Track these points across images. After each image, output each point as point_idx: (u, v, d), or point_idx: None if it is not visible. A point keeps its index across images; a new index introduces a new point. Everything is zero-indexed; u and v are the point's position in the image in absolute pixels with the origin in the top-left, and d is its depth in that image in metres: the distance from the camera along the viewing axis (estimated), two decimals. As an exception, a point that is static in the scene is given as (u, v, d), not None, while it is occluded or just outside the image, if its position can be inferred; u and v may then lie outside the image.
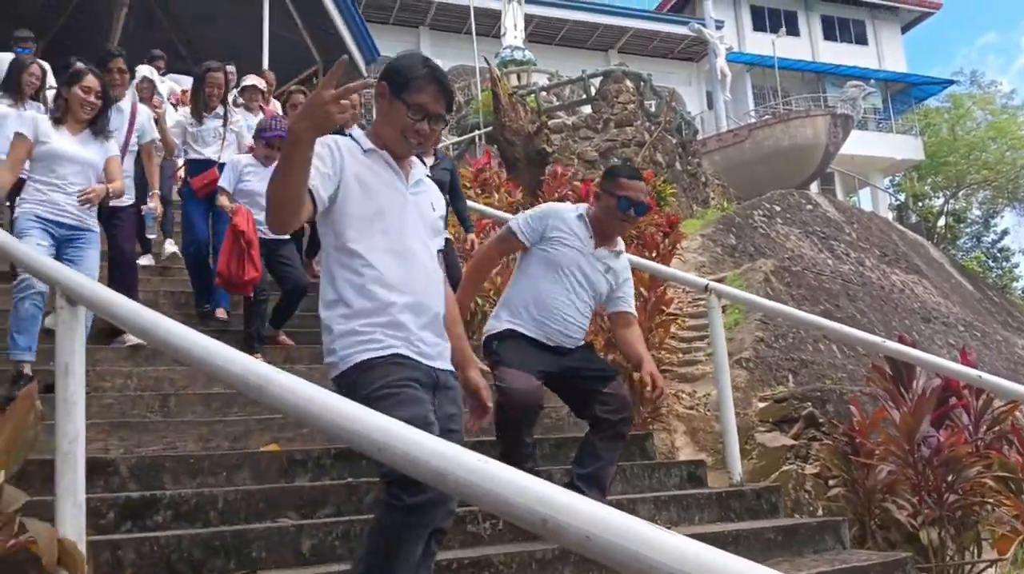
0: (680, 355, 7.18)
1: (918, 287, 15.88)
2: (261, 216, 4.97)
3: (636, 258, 6.02)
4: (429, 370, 2.26)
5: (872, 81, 26.75)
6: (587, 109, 16.38)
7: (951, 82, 32.77)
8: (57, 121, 4.38)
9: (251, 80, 7.68)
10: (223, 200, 5.24)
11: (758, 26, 30.21)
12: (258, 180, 5.21)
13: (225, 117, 5.99)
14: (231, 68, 9.07)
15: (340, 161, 2.24)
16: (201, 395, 4.43)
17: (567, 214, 3.58)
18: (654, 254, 8.03)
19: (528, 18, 22.32)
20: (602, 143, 15.27)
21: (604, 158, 14.84)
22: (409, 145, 2.33)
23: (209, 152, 5.87)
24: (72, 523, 2.06)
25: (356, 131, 2.41)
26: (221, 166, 5.68)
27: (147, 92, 7.49)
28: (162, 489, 3.39)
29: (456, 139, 18.71)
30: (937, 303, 15.42)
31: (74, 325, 2.16)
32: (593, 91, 16.20)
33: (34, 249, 3.28)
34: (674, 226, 9.05)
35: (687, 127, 17.83)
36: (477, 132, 17.86)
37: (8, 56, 7.45)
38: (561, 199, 9.28)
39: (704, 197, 17.27)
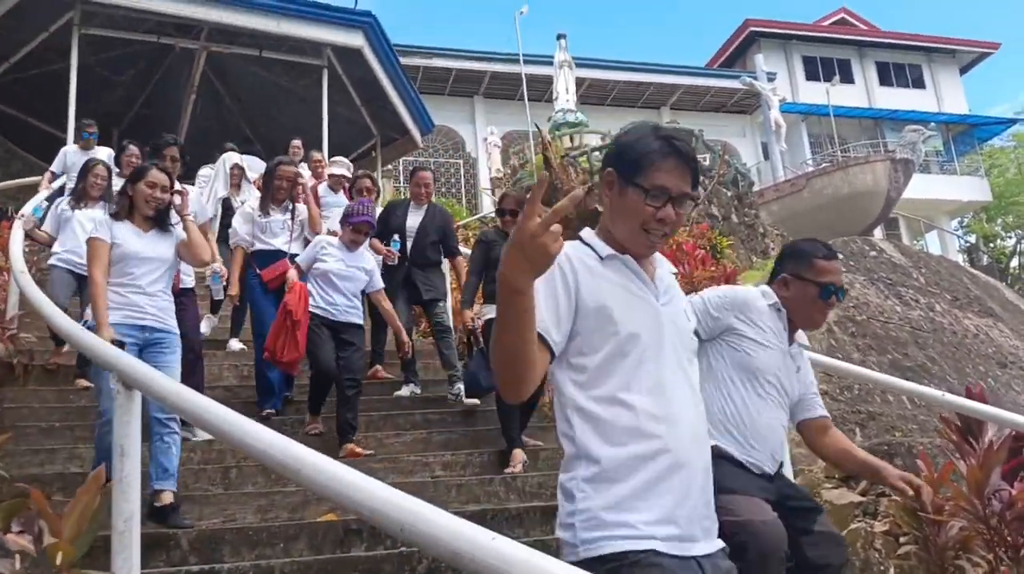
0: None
1: (993, 331, 15.30)
2: (335, 298, 5.21)
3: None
4: (693, 565, 1.71)
5: (932, 124, 26.30)
6: (640, 167, 16.45)
7: (1014, 121, 31.99)
8: (117, 216, 4.21)
9: (339, 170, 7.75)
10: (291, 273, 5.31)
11: (811, 75, 30.12)
12: (335, 261, 5.25)
13: (293, 209, 5.97)
14: (296, 142, 9.44)
15: (574, 286, 1.77)
16: (260, 467, 4.53)
17: (759, 303, 2.88)
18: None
19: (579, 81, 22.73)
20: (656, 200, 15.29)
21: (659, 214, 14.82)
22: (652, 241, 1.84)
23: (278, 243, 5.82)
24: (130, 599, 2.14)
25: (587, 233, 1.95)
26: (291, 257, 5.69)
27: (237, 179, 7.90)
28: (221, 562, 3.46)
29: (512, 202, 18.92)
30: (1014, 347, 14.82)
31: (130, 408, 2.27)
32: (645, 149, 16.29)
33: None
34: (731, 279, 8.98)
35: (742, 179, 17.77)
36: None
37: (73, 147, 8.23)
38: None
39: (763, 248, 17.07)
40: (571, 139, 19.52)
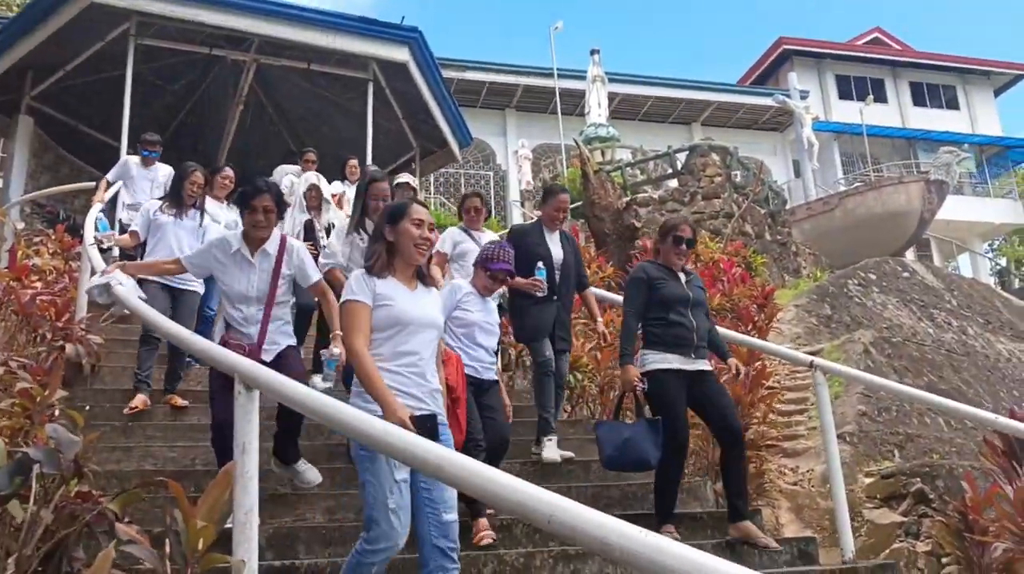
0: (781, 430, 7.15)
1: (1027, 356, 15.24)
2: (479, 353, 4.42)
3: (734, 333, 6.13)
4: None
5: (965, 145, 26.21)
6: (673, 183, 16.62)
7: (1050, 143, 31.81)
8: (372, 270, 3.20)
9: (405, 177, 7.56)
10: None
11: (844, 94, 30.13)
12: (478, 312, 4.50)
13: None
14: (354, 160, 9.18)
15: None
16: (327, 470, 4.70)
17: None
18: (750, 327, 8.07)
19: (611, 96, 22.92)
20: (689, 215, 15.43)
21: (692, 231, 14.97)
22: None
23: None
24: (248, 587, 2.31)
25: None
26: None
27: (315, 200, 7.37)
28: (297, 558, 3.63)
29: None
30: (1049, 373, 14.75)
31: (250, 408, 2.46)
32: (679, 165, 16.45)
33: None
34: (769, 298, 9.09)
35: (775, 197, 17.84)
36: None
37: (134, 159, 8.05)
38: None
39: (795, 266, 17.11)
40: (602, 154, 19.71)
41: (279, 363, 3.94)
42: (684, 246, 4.53)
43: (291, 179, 8.85)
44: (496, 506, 1.65)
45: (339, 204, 8.63)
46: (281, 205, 4.14)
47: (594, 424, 4.65)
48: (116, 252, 6.79)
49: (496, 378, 4.60)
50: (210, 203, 6.67)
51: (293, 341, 4.29)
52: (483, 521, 4.02)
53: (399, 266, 3.10)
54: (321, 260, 5.13)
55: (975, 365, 12.66)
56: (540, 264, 5.26)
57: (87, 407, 4.38)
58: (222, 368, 2.75)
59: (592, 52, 22.02)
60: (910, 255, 22.00)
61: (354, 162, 9.12)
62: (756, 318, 8.40)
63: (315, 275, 4.33)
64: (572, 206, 17.50)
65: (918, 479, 5.79)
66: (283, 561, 3.51)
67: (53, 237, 8.24)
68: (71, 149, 12.97)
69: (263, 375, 2.48)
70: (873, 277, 15.20)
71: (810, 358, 4.87)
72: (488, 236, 5.85)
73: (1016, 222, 29.83)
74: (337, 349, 4.29)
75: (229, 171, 6.98)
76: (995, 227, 29.93)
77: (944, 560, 4.99)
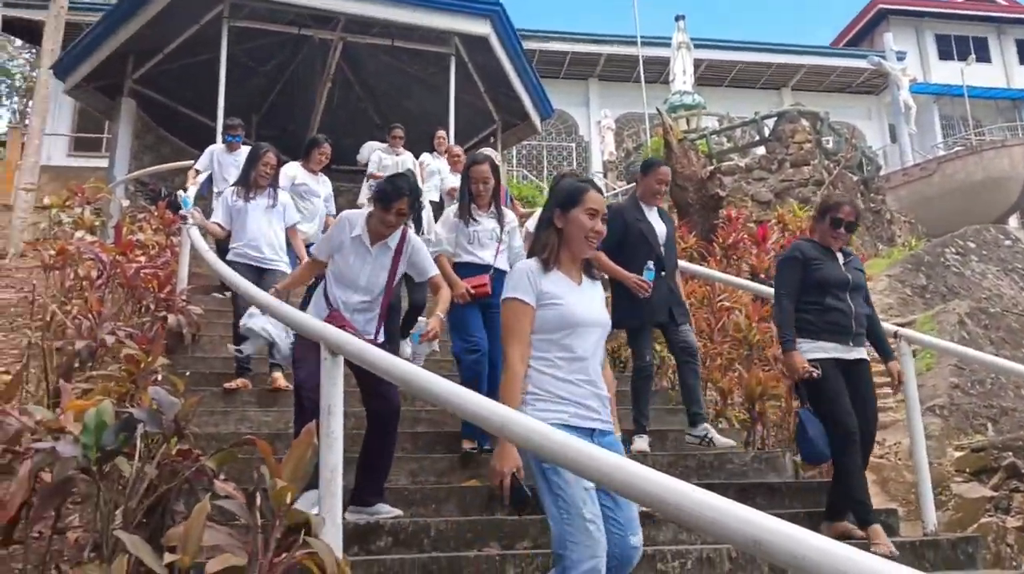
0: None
1: None
2: None
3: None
4: None
5: (1078, 104, 24.72)
6: (761, 150, 16.24)
7: None
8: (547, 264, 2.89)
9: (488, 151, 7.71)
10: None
11: (944, 54, 28.72)
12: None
13: (500, 215, 5.02)
14: (442, 132, 9.26)
15: None
16: (409, 434, 4.89)
17: None
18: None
19: (697, 62, 22.48)
20: (777, 184, 15.08)
21: (780, 199, 14.64)
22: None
23: (487, 256, 4.90)
24: (334, 541, 2.48)
25: None
26: (498, 273, 4.80)
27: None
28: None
29: (626, 186, 19.05)
30: None
31: (335, 372, 2.61)
32: (767, 132, 16.06)
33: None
34: (858, 269, 8.86)
35: (869, 163, 17.24)
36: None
37: (219, 146, 8.25)
38: (736, 243, 9.33)
39: (889, 235, 16.56)
40: (687, 122, 19.38)
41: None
42: (843, 230, 4.22)
43: (379, 155, 9.07)
44: (697, 527, 1.51)
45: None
46: (416, 207, 4.05)
47: (799, 412, 4.22)
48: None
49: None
50: (305, 176, 6.97)
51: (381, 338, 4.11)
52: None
53: (564, 258, 2.71)
54: (430, 249, 4.76)
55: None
56: (650, 264, 4.93)
57: (187, 373, 4.66)
58: (308, 335, 2.91)
59: (677, 18, 21.63)
60: (1013, 222, 20.96)
61: (442, 134, 9.20)
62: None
63: (432, 269, 4.23)
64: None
65: (1011, 453, 5.62)
66: (368, 518, 3.70)
67: (155, 213, 8.66)
68: (171, 129, 13.54)
69: (347, 342, 2.62)
70: (972, 245, 14.57)
71: (895, 328, 4.78)
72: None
73: None
74: (429, 320, 4.16)
75: (327, 146, 7.05)
76: (1110, 191, 28.18)
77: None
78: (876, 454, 6.56)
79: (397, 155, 8.98)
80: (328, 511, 2.49)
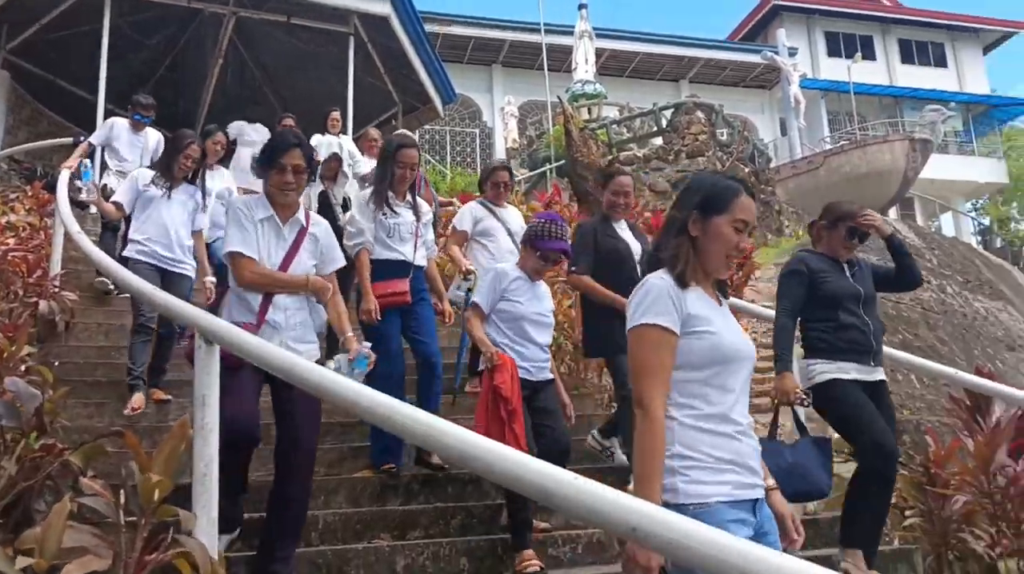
0: (753, 386, 7.24)
1: (1003, 314, 15.45)
2: (530, 350, 3.80)
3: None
4: None
5: (952, 104, 26.20)
6: (658, 141, 16.58)
7: (1036, 102, 31.83)
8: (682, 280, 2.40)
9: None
10: (480, 334, 3.74)
11: (833, 51, 29.94)
12: (527, 300, 3.87)
13: (416, 206, 4.57)
14: (336, 113, 8.72)
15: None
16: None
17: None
18: (727, 286, 8.13)
19: (599, 52, 22.72)
20: (673, 174, 15.42)
21: (675, 188, 14.99)
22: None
23: (406, 251, 4.45)
24: (208, 538, 2.36)
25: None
26: (418, 270, 4.50)
27: (333, 171, 6.65)
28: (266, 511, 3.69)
29: (528, 173, 19.13)
30: (1023, 331, 14.98)
31: (210, 361, 2.49)
32: (664, 123, 16.39)
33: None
34: (748, 257, 9.14)
35: (760, 155, 17.84)
36: (548, 166, 18.22)
37: (122, 122, 7.33)
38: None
39: (778, 225, 17.19)
40: (589, 111, 19.59)
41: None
42: (857, 240, 3.89)
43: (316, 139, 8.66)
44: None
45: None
46: (312, 164, 3.41)
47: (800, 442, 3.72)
48: (93, 210, 6.60)
49: (552, 376, 3.94)
50: None
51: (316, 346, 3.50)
52: (528, 552, 3.46)
53: (699, 274, 2.09)
54: (346, 241, 4.34)
55: (951, 323, 12.82)
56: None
57: (56, 363, 4.40)
58: (181, 321, 2.76)
59: (580, 7, 21.79)
60: (893, 214, 22.10)
61: (336, 114, 8.75)
62: (734, 276, 8.45)
63: (340, 261, 3.59)
64: (556, 164, 17.51)
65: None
66: (251, 514, 3.57)
67: (30, 194, 8.16)
68: (49, 104, 12.80)
69: (225, 330, 2.50)
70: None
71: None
72: (513, 213, 5.40)
73: (1000, 181, 29.94)
74: (365, 346, 3.48)
75: (221, 135, 6.43)
76: (979, 186, 30.04)
77: (907, 512, 5.09)
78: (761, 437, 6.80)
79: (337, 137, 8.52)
80: (203, 507, 2.37)
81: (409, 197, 4.55)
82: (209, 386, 2.47)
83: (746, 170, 16.47)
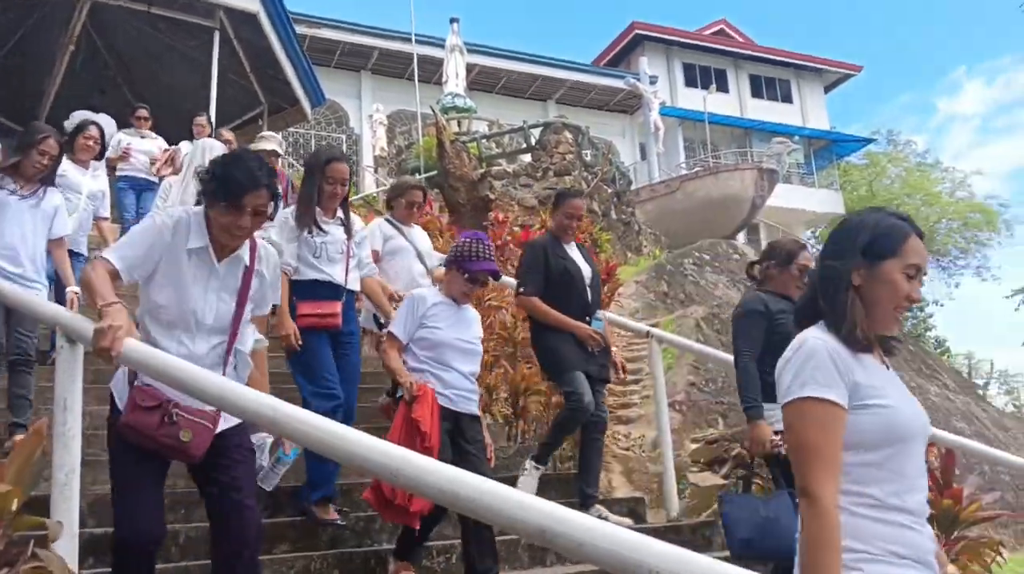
0: (617, 397, 7.48)
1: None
2: (451, 378, 3.57)
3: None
4: None
5: (796, 138, 28.04)
6: (527, 157, 16.85)
7: (869, 140, 34.56)
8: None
9: (269, 145, 6.68)
10: (397, 365, 3.54)
11: (690, 82, 31.43)
12: (448, 326, 3.65)
13: (347, 222, 4.21)
14: (201, 119, 8.31)
15: None
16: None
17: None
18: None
19: (469, 67, 22.88)
20: (541, 191, 15.70)
21: (543, 205, 15.27)
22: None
23: (336, 273, 4.11)
24: (67, 552, 2.20)
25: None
26: (349, 294, 4.19)
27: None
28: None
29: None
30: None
31: (73, 363, 2.32)
32: (533, 140, 16.69)
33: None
34: (612, 273, 9.44)
35: (621, 177, 18.45)
36: (418, 177, 18.15)
37: None
38: (504, 244, 9.60)
39: (637, 245, 17.81)
40: (459, 124, 19.68)
41: (230, 446, 2.53)
42: (805, 278, 3.65)
43: (121, 137, 8.14)
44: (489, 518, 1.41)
45: (171, 164, 7.95)
46: (277, 203, 2.72)
47: (719, 498, 3.77)
48: None
49: (477, 412, 3.72)
50: (71, 168, 5.58)
51: None
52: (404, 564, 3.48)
53: (866, 333, 1.76)
54: None
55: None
56: (600, 314, 4.55)
57: None
58: (44, 319, 2.56)
59: (452, 20, 21.86)
60: (741, 238, 23.38)
61: (202, 120, 8.34)
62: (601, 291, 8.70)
63: (274, 298, 3.04)
64: (425, 175, 17.47)
65: (739, 445, 6.22)
66: (105, 529, 3.35)
67: None
68: None
69: (87, 328, 2.34)
70: (707, 257, 16.07)
71: (647, 328, 5.14)
72: (420, 233, 5.14)
73: (836, 211, 32.26)
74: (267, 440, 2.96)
75: (94, 130, 5.78)
76: (818, 215, 32.26)
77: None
78: (622, 446, 7.03)
79: (142, 138, 8.22)
80: (63, 516, 2.21)
81: (340, 213, 4.18)
82: (71, 389, 2.31)
83: (609, 191, 17.01)
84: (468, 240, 3.77)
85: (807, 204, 31.24)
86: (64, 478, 2.22)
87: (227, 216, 2.51)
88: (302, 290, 3.99)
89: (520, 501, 1.39)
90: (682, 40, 31.62)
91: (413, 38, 22.13)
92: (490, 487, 1.43)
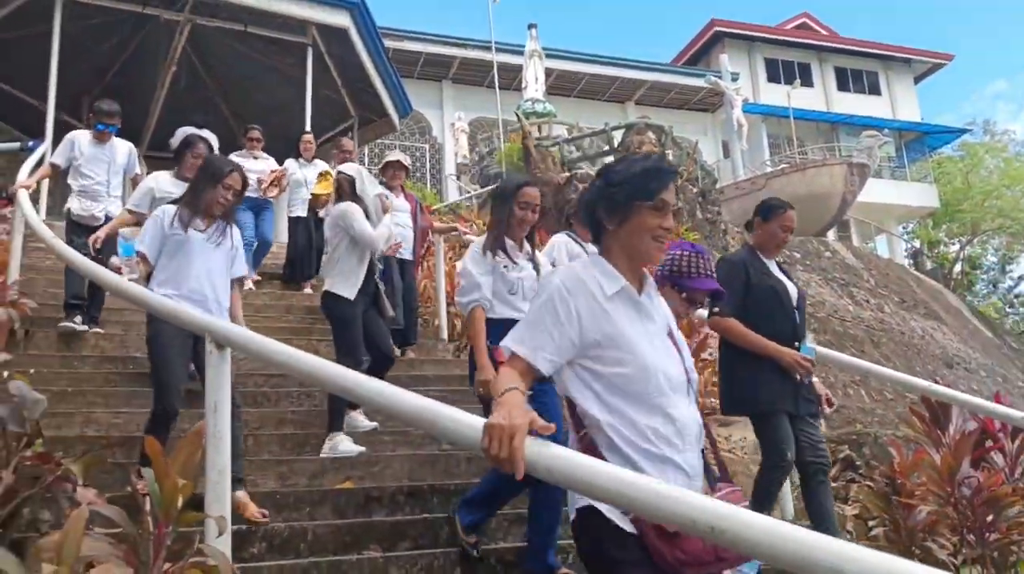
0: (715, 399, 7.37)
1: (937, 333, 16.03)
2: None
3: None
4: None
5: (886, 130, 27.17)
6: (610, 159, 16.81)
7: (964, 131, 33.24)
8: None
9: (395, 155, 6.53)
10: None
11: (772, 77, 30.81)
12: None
13: (534, 257, 3.84)
14: (308, 135, 8.40)
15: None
16: (276, 436, 4.68)
17: None
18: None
19: (548, 71, 22.95)
20: (624, 193, 15.63)
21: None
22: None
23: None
24: (224, 547, 2.31)
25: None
26: None
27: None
28: (254, 522, 3.62)
29: (479, 189, 19.18)
30: (957, 349, 15.57)
31: (222, 367, 2.44)
32: (616, 142, 16.63)
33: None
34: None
35: (706, 176, 18.21)
36: (500, 182, 18.29)
37: (83, 135, 6.37)
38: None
39: (724, 244, 17.53)
40: (539, 129, 19.75)
41: None
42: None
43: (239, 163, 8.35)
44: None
45: (277, 185, 7.90)
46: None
47: None
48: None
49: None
50: (177, 188, 5.05)
51: None
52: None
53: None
54: (459, 298, 3.70)
55: (892, 341, 13.26)
56: (809, 339, 4.05)
57: (32, 371, 4.25)
58: (193, 329, 2.71)
59: (530, 26, 22.00)
60: (831, 235, 22.77)
61: (309, 137, 8.44)
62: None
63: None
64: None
65: (846, 446, 6.08)
66: (239, 526, 3.50)
67: (-25, 200, 7.86)
68: (-6, 110, 12.38)
69: (237, 334, 2.47)
70: (798, 255, 15.72)
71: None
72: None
73: (930, 205, 31.12)
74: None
75: (202, 147, 5.39)
76: (911, 210, 31.18)
77: (871, 523, 5.24)
78: (724, 449, 6.93)
79: (255, 159, 8.08)
80: (218, 514, 2.32)
81: (527, 246, 3.80)
82: (221, 393, 2.43)
83: (694, 190, 16.81)
84: (685, 253, 3.18)
85: (900, 198, 30.25)
86: (216, 477, 2.34)
87: (654, 218, 2.06)
88: (491, 332, 3.49)
89: (682, 497, 1.41)
90: (763, 35, 31.04)
91: (493, 46, 22.35)
92: (645, 483, 1.45)
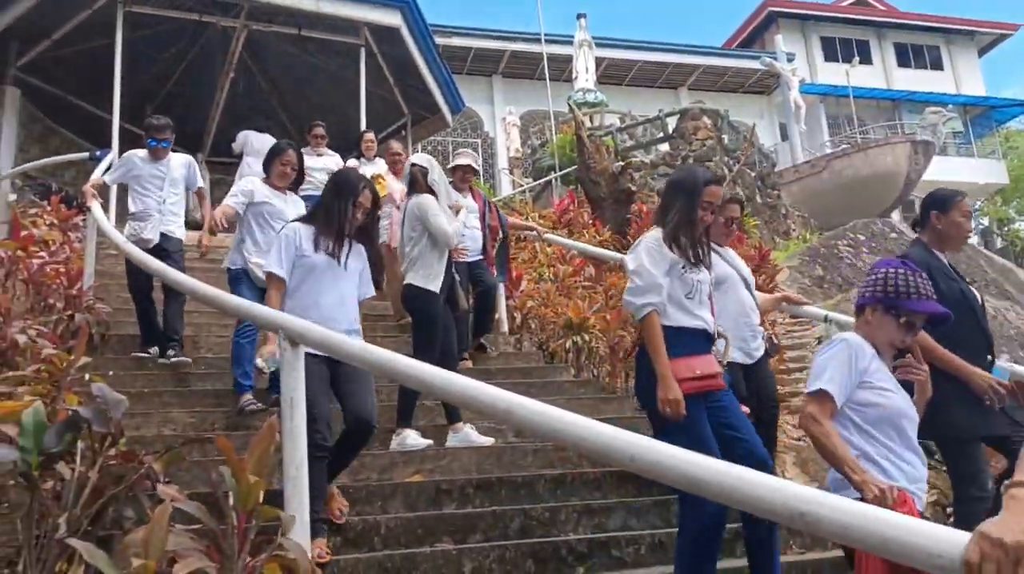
0: (783, 387, 7.25)
1: (1010, 313, 15.46)
2: (907, 466, 2.58)
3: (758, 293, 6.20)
4: None
5: (950, 106, 26.33)
6: (664, 147, 16.61)
7: (1033, 103, 32.04)
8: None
9: (466, 160, 6.34)
10: (844, 452, 2.48)
11: (830, 56, 30.10)
12: (897, 389, 2.70)
13: (708, 259, 3.38)
14: (370, 135, 8.26)
15: None
16: (345, 431, 4.74)
17: None
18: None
19: (598, 61, 22.79)
20: (680, 179, 15.45)
21: (683, 194, 15.02)
22: None
23: (707, 318, 3.26)
24: (302, 541, 2.35)
25: None
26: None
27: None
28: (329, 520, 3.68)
29: (532, 182, 19.15)
30: (1034, 329, 15.01)
31: (296, 364, 2.48)
32: (670, 129, 16.43)
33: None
34: (766, 259, 9.17)
35: (764, 160, 17.89)
36: (553, 175, 18.25)
37: (139, 154, 6.09)
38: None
39: (785, 229, 17.21)
40: (591, 119, 19.61)
41: None
42: None
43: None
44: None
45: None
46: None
47: None
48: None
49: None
50: (272, 196, 5.17)
51: None
52: None
53: None
54: (632, 298, 3.16)
55: (965, 322, 12.85)
56: (1002, 361, 3.64)
57: (110, 373, 4.38)
58: (265, 326, 2.75)
59: (579, 16, 21.87)
60: (896, 216, 22.16)
61: (371, 136, 8.31)
62: (756, 279, 8.47)
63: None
64: (561, 172, 17.54)
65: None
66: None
67: (49, 209, 8.15)
68: (61, 121, 12.78)
69: (311, 331, 2.50)
70: (862, 238, 15.34)
71: (824, 312, 4.96)
72: (737, 257, 4.24)
73: (999, 182, 30.07)
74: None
75: (292, 155, 5.23)
76: (979, 187, 30.16)
77: (949, 509, 5.11)
78: (794, 436, 6.81)
79: (319, 155, 8.01)
80: (296, 509, 2.36)
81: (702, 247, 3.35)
82: (296, 389, 2.47)
83: (752, 174, 16.53)
84: (901, 271, 2.74)
85: (966, 176, 29.26)
86: (294, 472, 2.38)
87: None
88: (669, 342, 3.08)
89: (773, 484, 1.38)
90: (819, 14, 30.34)
91: (542, 38, 22.27)
92: (738, 472, 1.42)
